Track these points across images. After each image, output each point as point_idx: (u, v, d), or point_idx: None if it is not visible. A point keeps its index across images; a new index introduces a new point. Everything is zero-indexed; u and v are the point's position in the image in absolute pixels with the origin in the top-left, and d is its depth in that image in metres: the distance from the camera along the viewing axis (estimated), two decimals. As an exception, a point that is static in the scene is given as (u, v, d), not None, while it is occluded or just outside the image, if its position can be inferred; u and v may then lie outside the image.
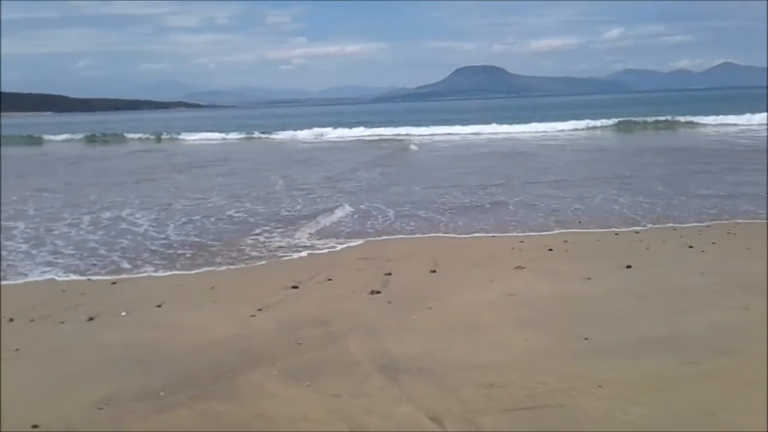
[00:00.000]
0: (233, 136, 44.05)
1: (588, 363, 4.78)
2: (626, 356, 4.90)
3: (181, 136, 44.93)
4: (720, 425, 3.82)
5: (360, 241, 9.79)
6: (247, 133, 44.44)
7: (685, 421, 3.87)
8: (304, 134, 41.22)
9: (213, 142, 41.98)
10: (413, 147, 28.84)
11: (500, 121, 41.77)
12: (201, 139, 43.17)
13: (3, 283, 7.95)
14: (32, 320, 6.44)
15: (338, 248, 9.40)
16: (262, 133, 44.70)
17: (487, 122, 41.28)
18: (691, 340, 5.19)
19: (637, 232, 9.62)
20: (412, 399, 4.28)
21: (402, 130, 39.50)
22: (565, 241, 9.11)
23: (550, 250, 8.63)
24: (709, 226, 9.82)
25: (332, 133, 40.52)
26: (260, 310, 6.46)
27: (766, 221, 9.40)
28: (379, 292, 6.93)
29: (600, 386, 4.35)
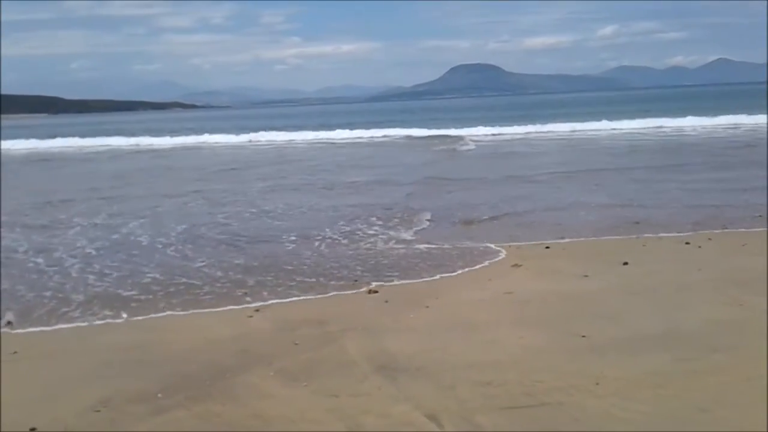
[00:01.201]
0: (271, 136, 39.53)
1: (585, 360, 4.79)
2: (623, 353, 4.91)
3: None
4: (717, 422, 3.83)
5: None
6: (284, 133, 40.06)
7: (682, 418, 3.87)
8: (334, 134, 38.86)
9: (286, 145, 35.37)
10: (469, 146, 27.79)
11: (523, 121, 40.15)
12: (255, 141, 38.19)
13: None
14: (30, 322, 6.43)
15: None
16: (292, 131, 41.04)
17: (511, 122, 39.34)
18: (688, 336, 5.20)
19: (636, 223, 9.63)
20: (409, 398, 4.28)
21: (443, 131, 37.18)
22: (562, 238, 9.12)
23: (547, 248, 8.64)
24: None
25: (374, 133, 38.22)
26: (257, 310, 6.46)
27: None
28: (376, 292, 6.93)
29: (597, 384, 4.36)
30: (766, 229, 8.95)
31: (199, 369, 4.96)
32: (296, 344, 5.42)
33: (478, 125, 38.44)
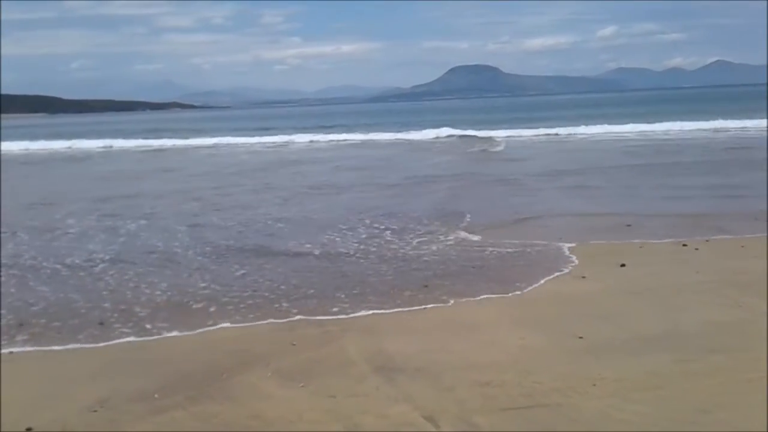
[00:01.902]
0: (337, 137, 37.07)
1: (583, 362, 4.79)
2: (621, 354, 4.92)
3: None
4: (715, 422, 3.83)
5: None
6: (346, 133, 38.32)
7: (681, 419, 3.88)
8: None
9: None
10: (500, 146, 27.27)
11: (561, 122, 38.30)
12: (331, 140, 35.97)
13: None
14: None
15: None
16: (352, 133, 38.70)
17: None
18: (686, 337, 5.21)
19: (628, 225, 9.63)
20: (407, 399, 4.28)
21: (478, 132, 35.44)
22: (560, 239, 9.10)
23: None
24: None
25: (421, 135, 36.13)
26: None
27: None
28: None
29: (595, 385, 4.36)
30: (766, 232, 8.93)
31: (198, 369, 4.96)
32: (294, 344, 5.42)
33: (497, 127, 37.65)
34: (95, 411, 4.30)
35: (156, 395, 4.50)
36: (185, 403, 4.37)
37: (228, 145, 36.24)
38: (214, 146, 35.54)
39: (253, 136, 40.29)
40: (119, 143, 38.90)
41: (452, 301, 6.51)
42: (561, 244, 8.72)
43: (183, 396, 4.48)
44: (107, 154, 33.63)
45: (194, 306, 6.67)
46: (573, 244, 8.65)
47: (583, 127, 34.98)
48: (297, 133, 40.55)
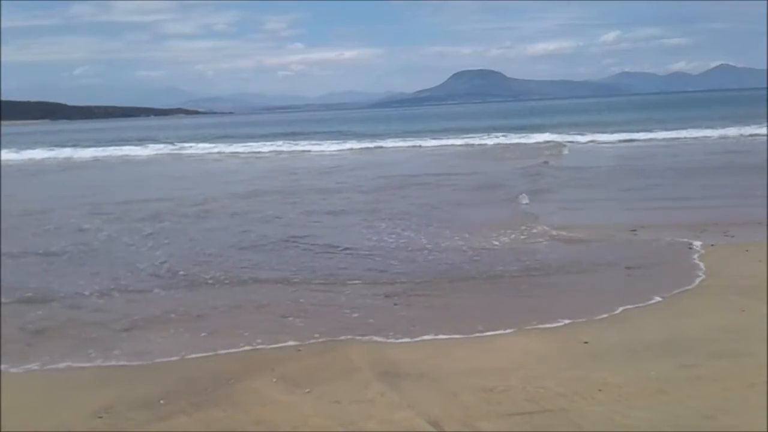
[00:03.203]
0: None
1: (588, 367, 4.78)
2: (626, 360, 4.91)
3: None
4: (720, 428, 3.82)
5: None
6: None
7: (686, 425, 3.87)
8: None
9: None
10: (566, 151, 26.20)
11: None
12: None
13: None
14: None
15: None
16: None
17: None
18: (691, 343, 5.19)
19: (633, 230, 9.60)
20: (412, 404, 4.28)
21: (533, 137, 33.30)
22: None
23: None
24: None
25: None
26: (260, 315, 6.44)
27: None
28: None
29: (600, 390, 4.35)
30: (766, 236, 8.90)
31: (202, 375, 4.97)
32: (299, 350, 5.42)
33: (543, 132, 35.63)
34: (100, 417, 4.31)
35: (161, 401, 4.51)
36: (189, 409, 4.37)
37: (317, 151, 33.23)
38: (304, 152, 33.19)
39: (324, 140, 38.36)
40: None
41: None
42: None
43: (187, 402, 4.48)
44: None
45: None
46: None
47: (647, 133, 32.13)
48: (378, 139, 38.41)
